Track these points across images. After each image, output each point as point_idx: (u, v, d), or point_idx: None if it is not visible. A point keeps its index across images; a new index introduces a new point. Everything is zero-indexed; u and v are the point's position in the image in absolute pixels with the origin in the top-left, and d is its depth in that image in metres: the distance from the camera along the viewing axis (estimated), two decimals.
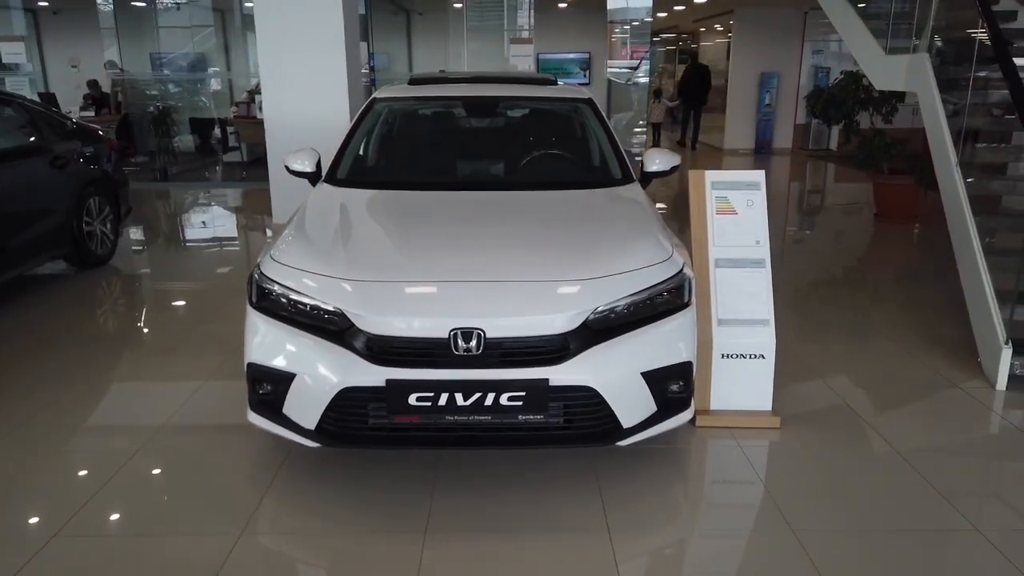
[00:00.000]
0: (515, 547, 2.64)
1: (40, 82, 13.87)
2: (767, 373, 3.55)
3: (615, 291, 2.87)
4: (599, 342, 2.80)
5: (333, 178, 3.95)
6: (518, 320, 2.73)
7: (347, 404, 2.74)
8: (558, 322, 2.74)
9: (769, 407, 3.57)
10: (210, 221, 8.86)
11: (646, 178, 4.18)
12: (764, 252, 3.59)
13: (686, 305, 3.04)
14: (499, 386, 2.68)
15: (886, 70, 6.65)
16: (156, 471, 3.13)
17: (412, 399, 2.67)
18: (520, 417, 2.73)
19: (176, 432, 3.45)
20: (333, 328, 2.79)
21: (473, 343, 2.68)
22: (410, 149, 4.45)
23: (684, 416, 3.03)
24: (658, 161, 4.15)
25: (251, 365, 2.90)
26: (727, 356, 3.54)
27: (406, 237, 3.27)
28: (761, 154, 15.07)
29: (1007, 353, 3.92)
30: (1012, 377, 3.93)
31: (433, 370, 2.70)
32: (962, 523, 2.78)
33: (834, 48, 15.10)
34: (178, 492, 2.99)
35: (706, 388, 3.57)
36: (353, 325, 2.75)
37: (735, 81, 14.96)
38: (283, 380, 2.82)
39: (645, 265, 3.00)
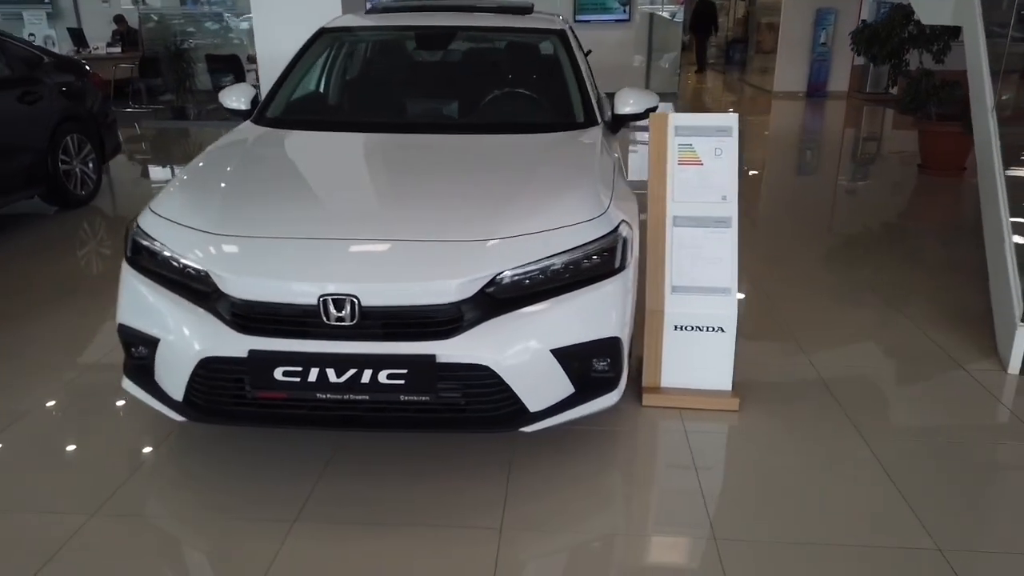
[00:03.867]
0: (387, 544, 2.31)
1: (72, 16, 13.73)
2: (727, 349, 3.10)
3: (525, 253, 2.45)
4: (502, 313, 2.41)
5: (262, 117, 3.59)
6: (398, 286, 2.35)
7: (212, 376, 2.42)
8: (447, 289, 2.35)
9: (728, 387, 3.14)
10: None
11: (619, 121, 3.71)
12: (731, 210, 3.10)
13: (618, 271, 2.61)
14: (377, 362, 2.32)
15: (932, 1, 5.90)
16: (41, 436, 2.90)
17: (278, 373, 2.33)
18: (402, 397, 2.37)
19: (86, 391, 3.22)
20: (203, 290, 2.46)
21: (346, 312, 2.32)
22: (355, 86, 4.05)
23: (609, 398, 2.63)
24: (632, 102, 3.66)
25: (120, 326, 2.61)
26: (681, 328, 3.10)
27: (298, 187, 2.90)
28: (814, 98, 14.09)
29: (1023, 333, 3.37)
30: None
31: (302, 341, 2.35)
32: (925, 542, 2.34)
33: None
34: (48, 463, 2.75)
35: (656, 363, 3.14)
36: (218, 288, 2.41)
37: (788, 18, 13.93)
38: (150, 345, 2.52)
39: (570, 223, 2.57)
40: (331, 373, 2.32)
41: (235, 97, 3.69)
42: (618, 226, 2.65)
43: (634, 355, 3.15)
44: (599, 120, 3.54)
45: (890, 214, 6.48)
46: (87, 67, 6.78)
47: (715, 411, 3.07)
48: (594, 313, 2.55)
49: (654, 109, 3.70)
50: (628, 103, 3.65)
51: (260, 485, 2.58)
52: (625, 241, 2.65)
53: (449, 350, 2.34)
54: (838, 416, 3.05)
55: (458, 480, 2.61)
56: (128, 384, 2.65)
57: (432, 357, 2.33)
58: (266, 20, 7.28)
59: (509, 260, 2.43)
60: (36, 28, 11.38)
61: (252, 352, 2.34)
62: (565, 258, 2.50)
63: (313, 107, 3.88)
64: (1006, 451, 2.85)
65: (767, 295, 4.36)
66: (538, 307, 2.45)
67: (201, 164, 3.07)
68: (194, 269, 2.46)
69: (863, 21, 9.43)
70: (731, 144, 3.13)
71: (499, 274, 2.41)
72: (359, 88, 4.05)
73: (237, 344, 2.35)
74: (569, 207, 2.65)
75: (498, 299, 2.42)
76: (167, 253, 2.54)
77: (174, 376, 2.46)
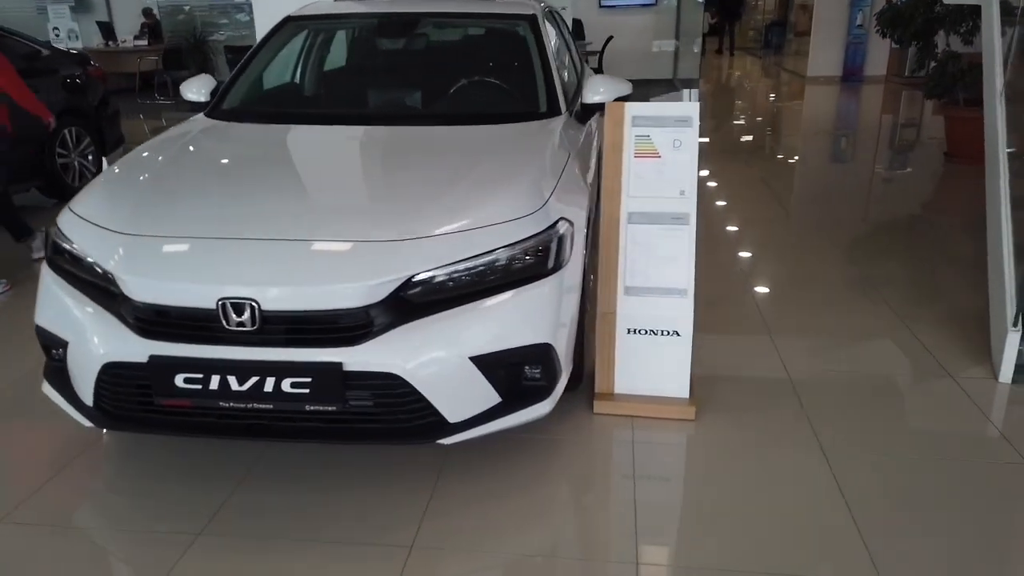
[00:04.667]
0: (288, 560, 2.19)
1: (103, 10, 13.93)
2: (683, 354, 2.91)
3: (444, 253, 2.31)
4: (419, 317, 2.27)
5: (216, 109, 3.49)
6: (299, 290, 2.22)
7: (117, 381, 2.33)
8: (353, 292, 2.21)
9: (685, 394, 2.95)
10: None
11: (588, 110, 3.53)
12: (689, 206, 2.91)
13: (551, 271, 2.45)
14: (280, 369, 2.20)
15: None
16: None
17: (179, 380, 2.23)
18: (308, 407, 2.25)
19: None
20: (111, 292, 2.37)
21: (246, 317, 2.20)
22: (315, 76, 3.92)
23: (540, 408, 2.48)
24: (602, 90, 3.47)
25: (37, 327, 2.54)
26: (634, 331, 2.92)
27: (218, 184, 2.78)
28: (849, 82, 13.58)
29: (1014, 338, 3.10)
30: (1020, 368, 3.12)
31: (202, 347, 2.24)
32: None
33: None
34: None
35: (609, 368, 2.97)
36: (121, 290, 2.32)
37: None
38: (63, 348, 2.45)
39: (497, 220, 2.41)
40: (233, 381, 2.21)
41: (195, 89, 3.60)
42: (555, 223, 2.48)
43: (587, 359, 3.00)
44: (562, 110, 3.36)
45: (907, 206, 6.14)
46: (91, 61, 6.80)
47: (669, 420, 2.89)
48: (521, 317, 2.39)
49: (626, 99, 3.52)
50: (598, 91, 3.47)
51: (173, 496, 2.49)
52: (561, 239, 2.48)
53: (357, 357, 2.21)
54: (802, 428, 2.84)
55: (380, 492, 2.49)
56: (47, 388, 2.59)
57: (338, 365, 2.20)
58: (264, 10, 7.20)
59: (426, 261, 2.28)
60: (60, 22, 11.55)
61: (152, 358, 2.24)
62: (489, 258, 2.34)
63: (269, 98, 3.77)
64: (980, 473, 2.60)
65: (749, 289, 4.14)
66: (457, 311, 2.30)
67: (130, 159, 2.98)
68: (100, 270, 2.37)
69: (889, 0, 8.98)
70: (691, 135, 2.93)
71: (414, 276, 2.26)
72: (319, 78, 3.93)
73: (139, 349, 2.26)
74: (500, 203, 2.49)
75: (415, 303, 2.28)
76: (78, 253, 2.46)
77: (84, 381, 2.39)
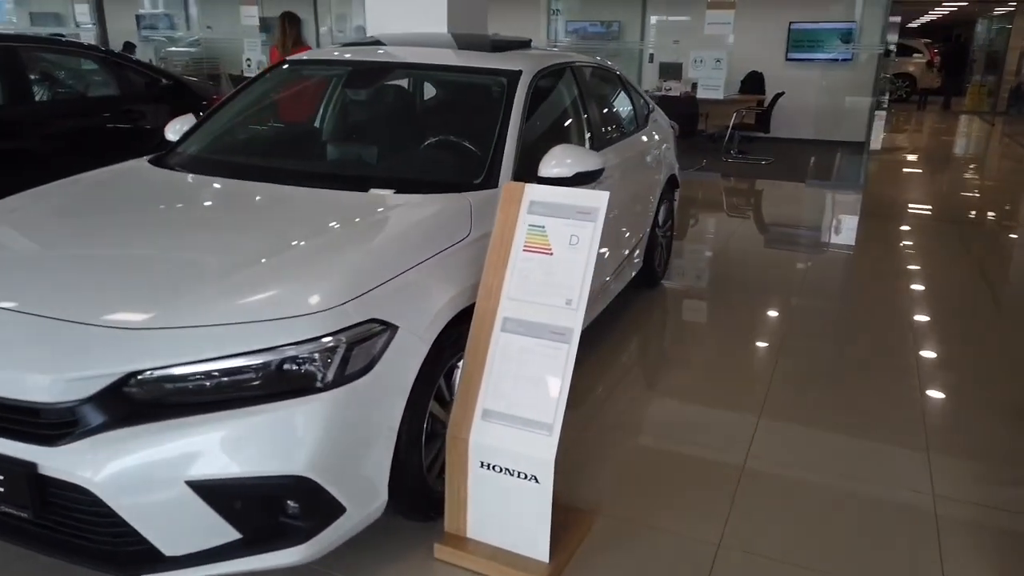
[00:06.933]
0: None
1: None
2: (541, 507, 2.28)
3: (184, 349, 1.93)
4: (139, 423, 1.91)
5: (173, 154, 3.32)
6: None
7: None
8: (48, 384, 1.89)
9: (544, 555, 2.31)
10: None
11: (541, 184, 2.97)
12: (574, 320, 2.29)
13: (324, 387, 1.98)
14: None
15: None
16: None
17: None
18: (3, 508, 1.96)
19: None
20: None
21: None
22: (268, 127, 3.68)
23: (289, 555, 2.01)
24: (554, 163, 2.92)
25: None
26: (488, 467, 2.33)
27: (41, 238, 2.58)
28: None
29: None
30: None
31: None
32: None
33: None
34: None
35: (459, 505, 2.40)
36: None
37: None
38: None
39: (266, 316, 2.00)
40: None
41: (174, 129, 3.51)
42: (332, 333, 2.01)
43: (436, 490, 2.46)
44: (497, 184, 2.84)
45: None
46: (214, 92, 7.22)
47: None
48: (268, 439, 1.95)
49: (592, 175, 2.95)
50: (551, 164, 2.92)
51: None
52: (335, 352, 2.00)
53: (52, 460, 1.89)
54: None
55: None
56: None
57: (31, 465, 1.89)
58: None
59: (159, 356, 1.92)
60: (252, 54, 12.60)
61: None
62: (238, 362, 1.94)
63: (221, 145, 3.45)
64: None
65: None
66: (187, 421, 1.91)
67: (10, 199, 2.86)
68: None
69: None
70: (591, 232, 2.33)
71: (136, 372, 1.90)
72: (272, 128, 3.69)
73: None
74: (280, 295, 2.07)
75: (139, 404, 1.92)
76: None
77: None
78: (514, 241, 2.41)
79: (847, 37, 12.11)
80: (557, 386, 2.27)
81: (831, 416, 3.36)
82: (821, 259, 6.04)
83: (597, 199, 2.35)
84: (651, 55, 12.69)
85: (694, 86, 9.64)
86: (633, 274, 4.42)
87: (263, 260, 2.21)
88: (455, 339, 2.40)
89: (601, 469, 2.91)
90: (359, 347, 2.05)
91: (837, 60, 12.26)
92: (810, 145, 12.05)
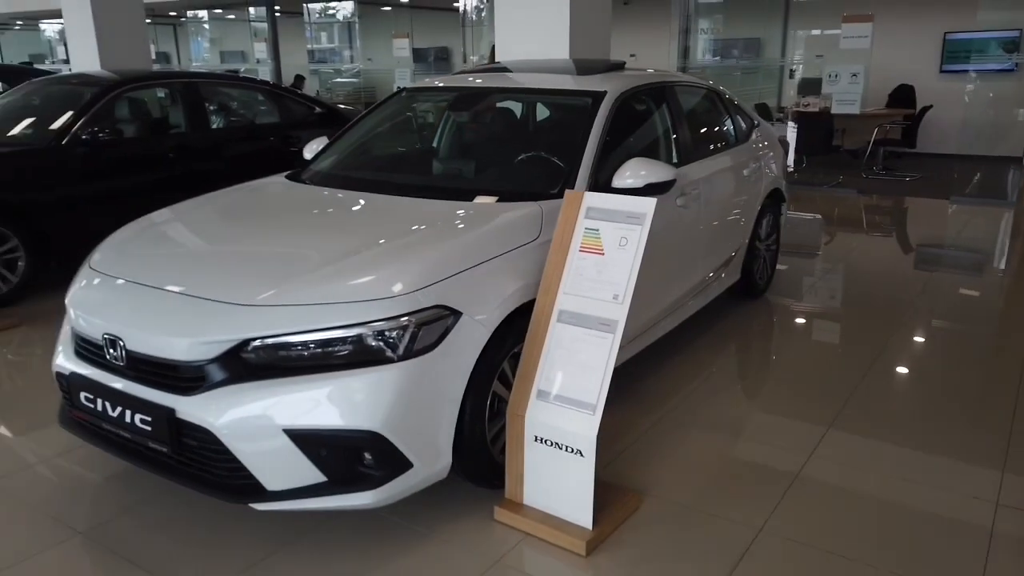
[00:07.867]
0: None
1: None
2: (585, 477, 2.55)
3: (285, 323, 2.40)
4: (251, 380, 2.39)
5: (307, 170, 3.89)
6: (145, 335, 2.49)
7: (62, 391, 2.83)
8: (184, 346, 2.41)
9: (588, 522, 2.58)
10: None
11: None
12: (620, 313, 2.56)
13: (394, 359, 2.39)
14: (132, 403, 2.50)
15: None
16: None
17: (82, 397, 2.65)
18: (149, 444, 2.50)
19: None
20: None
21: (118, 352, 2.53)
22: (387, 145, 4.17)
23: (361, 498, 2.41)
24: (628, 175, 3.21)
25: None
26: (541, 440, 2.64)
27: (197, 235, 3.19)
28: None
29: None
30: None
31: (95, 371, 2.63)
32: None
33: None
34: None
35: (517, 475, 2.72)
36: None
37: None
38: None
39: (350, 299, 2.43)
40: (107, 406, 2.56)
41: (310, 149, 4.10)
42: (417, 311, 2.41)
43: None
44: None
45: None
46: None
47: (558, 549, 2.55)
48: (350, 400, 2.37)
49: (663, 186, 3.20)
50: (624, 175, 3.21)
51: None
52: (403, 331, 2.39)
53: (186, 407, 2.41)
54: None
55: (195, 551, 2.58)
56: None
57: (171, 411, 2.42)
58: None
59: (266, 327, 2.40)
60: (402, 82, 13.60)
61: (72, 374, 2.69)
62: (328, 335, 2.38)
63: (349, 163, 3.97)
64: None
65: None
66: (285, 381, 2.38)
67: (177, 208, 3.49)
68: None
69: None
70: (638, 235, 2.61)
71: (251, 339, 2.39)
72: (389, 147, 4.18)
73: (69, 365, 2.72)
74: (363, 282, 2.50)
75: (253, 365, 2.41)
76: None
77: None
78: (572, 242, 2.73)
79: (1011, 46, 11.35)
80: (601, 370, 2.55)
81: (904, 430, 3.36)
82: (944, 279, 5.83)
83: (645, 205, 2.61)
84: (791, 71, 12.45)
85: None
86: (725, 285, 4.55)
87: (356, 255, 2.66)
88: (519, 328, 2.73)
89: (663, 458, 3.13)
90: (426, 328, 2.43)
91: (999, 71, 11.52)
92: (963, 161, 11.36)
